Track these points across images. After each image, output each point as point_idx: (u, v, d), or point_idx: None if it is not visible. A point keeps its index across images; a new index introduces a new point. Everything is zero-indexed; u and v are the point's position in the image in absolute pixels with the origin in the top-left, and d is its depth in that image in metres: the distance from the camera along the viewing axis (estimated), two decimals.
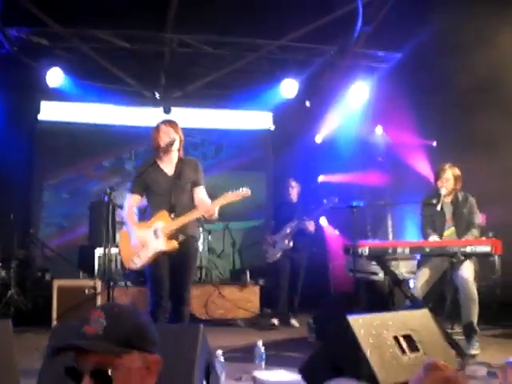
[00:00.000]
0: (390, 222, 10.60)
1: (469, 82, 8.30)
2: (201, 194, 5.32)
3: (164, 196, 5.18)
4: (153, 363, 1.70)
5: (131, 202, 5.24)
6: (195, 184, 5.32)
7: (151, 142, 5.35)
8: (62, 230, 11.09)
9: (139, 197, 5.26)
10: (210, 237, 10.14)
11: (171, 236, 5.11)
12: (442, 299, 6.44)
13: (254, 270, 9.60)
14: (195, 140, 11.64)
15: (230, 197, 5.19)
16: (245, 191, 5.24)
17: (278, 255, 8.52)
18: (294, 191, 8.82)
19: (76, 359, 1.63)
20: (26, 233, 9.85)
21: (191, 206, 5.26)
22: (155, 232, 5.09)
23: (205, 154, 11.86)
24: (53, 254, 9.92)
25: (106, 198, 5.02)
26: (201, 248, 9.93)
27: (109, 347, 1.61)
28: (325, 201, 8.01)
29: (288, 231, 8.49)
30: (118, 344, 1.63)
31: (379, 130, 10.82)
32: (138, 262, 5.11)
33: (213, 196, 5.27)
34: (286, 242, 8.47)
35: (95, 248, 9.21)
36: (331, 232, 10.78)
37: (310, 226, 8.43)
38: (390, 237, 10.24)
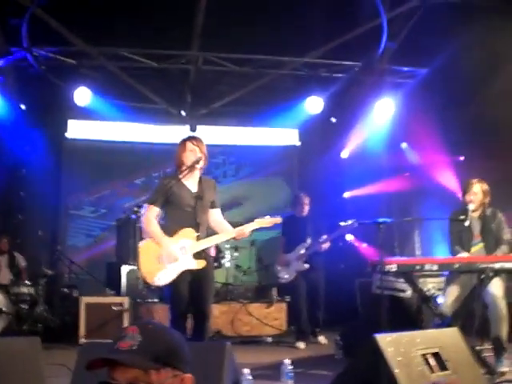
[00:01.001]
0: (417, 238, 10.52)
1: (496, 97, 8.24)
2: (218, 215, 5.44)
3: (188, 213, 5.19)
4: (186, 381, 1.69)
5: (152, 214, 5.19)
6: (213, 205, 5.40)
7: (175, 158, 5.37)
8: (90, 246, 11.16)
9: (158, 209, 5.22)
10: (236, 253, 10.13)
11: (196, 254, 5.13)
12: (470, 316, 6.34)
13: (280, 287, 9.54)
14: (217, 160, 11.70)
15: (262, 223, 5.37)
16: (277, 219, 5.46)
17: (293, 277, 8.34)
18: (306, 207, 8.56)
19: (110, 374, 1.63)
20: (53, 250, 9.93)
21: (208, 225, 5.37)
22: (182, 249, 5.09)
23: (226, 172, 11.92)
24: (80, 271, 9.99)
25: (133, 216, 5.02)
26: (228, 265, 9.94)
27: (142, 362, 1.61)
28: (342, 223, 7.81)
29: (302, 252, 8.29)
30: (153, 360, 1.62)
31: (405, 145, 10.77)
32: (164, 278, 5.07)
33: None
34: (302, 263, 8.27)
35: (122, 265, 9.24)
36: (361, 246, 10.70)
37: (325, 246, 8.24)
38: (418, 253, 10.15)
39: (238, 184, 11.90)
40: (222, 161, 11.83)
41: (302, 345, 8.18)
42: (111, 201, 11.45)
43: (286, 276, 8.40)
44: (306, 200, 8.59)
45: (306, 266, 8.24)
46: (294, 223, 8.41)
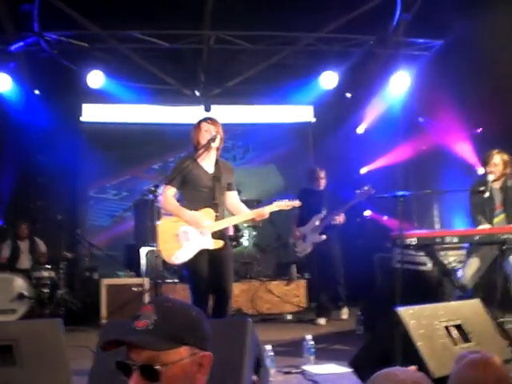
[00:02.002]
0: (436, 211, 10.44)
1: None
2: (235, 197, 5.49)
3: (206, 193, 5.19)
4: (204, 359, 1.66)
5: (169, 193, 5.19)
6: (230, 187, 5.43)
7: (191, 140, 5.35)
8: (109, 229, 11.21)
9: (175, 189, 5.22)
10: (255, 232, 10.13)
11: (215, 234, 5.13)
12: (492, 288, 6.29)
13: (300, 264, 9.54)
14: (233, 140, 11.68)
15: (281, 205, 5.40)
16: (296, 203, 5.48)
17: (309, 249, 8.26)
18: (323, 181, 8.50)
19: (126, 354, 1.62)
20: (73, 233, 9.99)
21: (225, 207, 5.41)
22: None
23: (245, 149, 11.90)
24: (100, 254, 10.05)
25: (150, 196, 5.01)
26: (246, 243, 9.95)
27: (156, 342, 1.58)
28: (358, 191, 7.75)
29: (317, 223, 8.19)
30: (168, 339, 1.60)
31: (421, 119, 10.66)
32: (182, 257, 5.08)
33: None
34: (317, 234, 8.15)
35: (141, 246, 9.28)
36: (381, 219, 10.64)
37: (339, 218, 8.12)
38: (437, 226, 10.08)
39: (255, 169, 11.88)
40: (230, 145, 11.73)
41: (322, 321, 8.18)
42: (131, 185, 11.46)
43: (302, 249, 8.33)
44: (322, 174, 8.53)
45: (323, 237, 8.12)
46: (309, 196, 8.21)
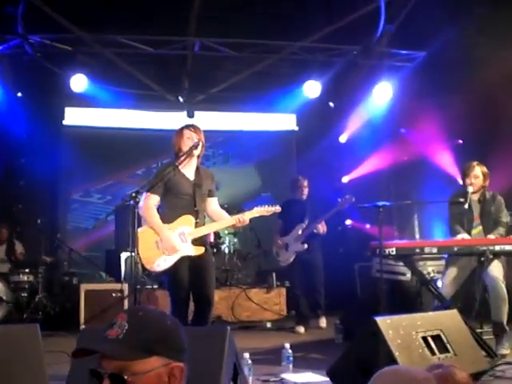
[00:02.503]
0: (416, 222, 10.51)
1: (494, 80, 8.21)
2: (215, 204, 5.51)
3: (186, 200, 5.20)
4: (176, 370, 1.64)
5: (151, 202, 5.18)
6: (211, 194, 5.45)
7: (173, 146, 5.36)
8: (89, 234, 11.15)
9: (158, 197, 5.21)
10: (235, 239, 10.13)
11: (195, 241, 5.14)
12: (470, 299, 6.34)
13: (280, 272, 9.54)
14: (214, 148, 11.69)
15: (261, 211, 5.43)
16: (276, 208, 5.53)
17: (292, 258, 8.28)
18: (306, 190, 8.52)
19: (99, 361, 1.61)
20: (53, 238, 9.92)
21: (206, 214, 5.43)
22: (181, 235, 5.09)
23: (225, 156, 11.91)
24: (80, 259, 9.99)
25: (131, 202, 4.99)
26: (227, 251, 9.94)
27: (124, 352, 1.57)
28: (339, 200, 7.80)
29: (300, 232, 8.22)
30: (138, 349, 1.58)
31: (403, 130, 10.74)
32: (163, 264, 5.08)
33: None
34: (300, 244, 8.18)
35: (121, 252, 9.24)
36: (363, 227, 10.69)
37: (322, 227, 8.19)
38: (417, 236, 10.15)
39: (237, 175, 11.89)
40: (211, 153, 11.70)
41: (301, 329, 8.20)
42: (114, 190, 11.42)
43: (285, 258, 8.34)
44: (305, 183, 8.56)
45: (305, 246, 8.15)
46: (291, 207, 8.32)
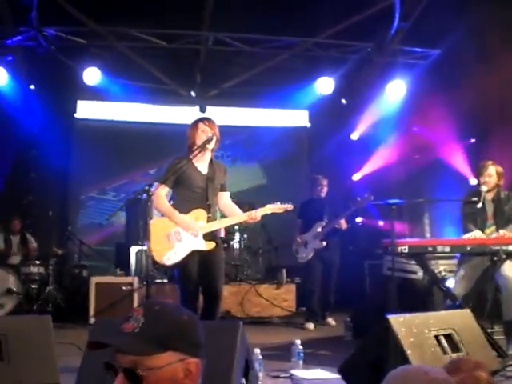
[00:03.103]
0: (427, 221, 10.48)
1: (508, 78, 8.16)
2: (227, 198, 5.45)
3: (199, 194, 5.18)
4: (192, 366, 1.61)
5: (162, 192, 5.15)
6: (223, 188, 5.40)
7: (187, 139, 5.33)
8: (100, 227, 11.16)
9: (168, 188, 5.19)
10: (246, 235, 10.12)
11: (206, 235, 5.12)
12: (482, 298, 6.31)
13: (290, 268, 9.54)
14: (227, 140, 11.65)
15: (274, 208, 5.38)
16: (288, 206, 5.45)
17: (310, 255, 8.31)
18: (325, 189, 8.60)
19: (114, 355, 1.60)
20: (64, 230, 9.95)
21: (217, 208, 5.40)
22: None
23: (239, 152, 11.89)
24: (90, 252, 10.02)
25: (144, 195, 4.97)
26: (237, 246, 9.94)
27: (139, 347, 1.55)
28: (358, 198, 7.80)
29: (319, 230, 8.26)
30: (153, 343, 1.56)
31: (416, 128, 10.70)
32: (173, 258, 5.05)
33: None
34: (319, 241, 8.23)
35: (131, 245, 9.26)
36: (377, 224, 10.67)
37: (343, 224, 8.23)
38: (428, 235, 10.11)
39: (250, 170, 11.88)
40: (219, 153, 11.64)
41: (311, 326, 8.20)
42: (129, 188, 11.41)
43: (303, 255, 8.37)
44: (324, 181, 8.61)
45: (324, 243, 8.19)
46: (311, 205, 8.47)
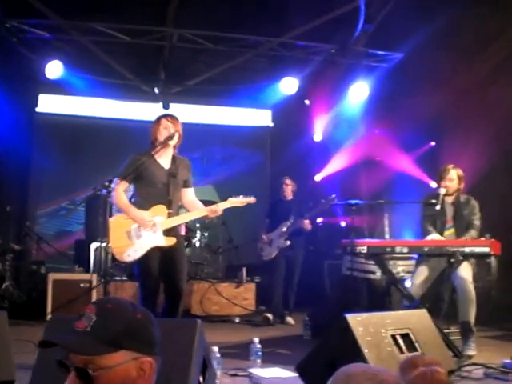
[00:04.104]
0: (386, 222, 10.57)
1: (469, 82, 8.29)
2: (191, 195, 5.42)
3: (160, 189, 5.14)
4: (145, 365, 1.60)
5: (121, 187, 5.13)
6: (186, 184, 5.36)
7: (149, 134, 5.30)
8: (59, 224, 11.02)
9: (127, 184, 5.16)
10: (206, 233, 10.10)
11: (167, 231, 5.08)
12: (438, 299, 6.40)
13: (250, 268, 9.56)
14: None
15: (236, 202, 5.37)
16: (251, 199, 5.44)
17: (274, 254, 8.41)
18: (289, 189, 8.72)
19: (66, 354, 1.57)
20: (21, 226, 9.79)
21: (181, 204, 5.36)
22: (153, 226, 5.05)
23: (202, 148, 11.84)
24: (49, 248, 9.87)
25: (104, 191, 4.93)
26: (197, 244, 9.91)
27: (89, 346, 1.53)
28: (322, 200, 7.89)
29: (284, 229, 8.39)
30: (104, 343, 1.54)
31: (377, 131, 10.80)
32: (133, 254, 5.02)
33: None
34: (283, 240, 8.36)
35: (91, 242, 9.15)
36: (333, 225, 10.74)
37: (307, 224, 8.33)
38: (387, 236, 10.20)
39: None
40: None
41: (270, 316, 8.33)
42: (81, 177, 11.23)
43: (268, 253, 8.46)
44: (288, 182, 8.74)
45: (288, 242, 8.33)
46: (279, 206, 8.66)
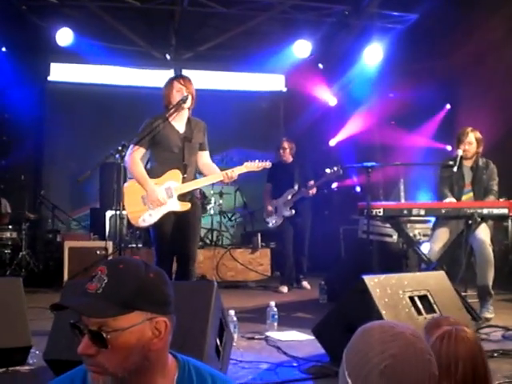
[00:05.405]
0: (402, 187, 10.50)
1: (485, 45, 8.14)
2: (206, 158, 5.33)
3: (175, 154, 5.08)
4: (160, 325, 1.57)
5: (137, 155, 5.06)
6: (202, 147, 5.28)
7: (163, 98, 5.22)
8: (73, 192, 11.03)
9: (144, 150, 5.08)
10: (221, 200, 10.08)
11: (182, 196, 5.04)
12: (455, 262, 6.35)
13: (265, 233, 9.55)
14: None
15: (251, 166, 5.26)
16: (267, 164, 5.35)
17: (280, 222, 8.34)
18: (287, 152, 8.49)
19: (79, 316, 1.53)
20: (36, 195, 9.82)
21: (196, 168, 5.26)
22: (168, 190, 5.01)
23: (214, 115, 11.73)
24: (64, 216, 9.91)
25: (117, 156, 4.87)
26: (212, 211, 9.90)
27: (100, 308, 1.49)
28: (327, 170, 7.74)
29: (289, 198, 8.26)
30: (118, 304, 1.50)
31: (392, 95, 10.67)
32: (148, 219, 5.00)
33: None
34: (289, 209, 8.25)
35: (106, 210, 9.17)
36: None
37: (312, 191, 8.16)
38: (402, 201, 10.15)
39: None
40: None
41: (284, 289, 8.23)
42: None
43: (273, 221, 8.37)
44: (286, 145, 8.53)
45: (293, 211, 8.22)
46: (280, 169, 8.33)
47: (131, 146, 4.99)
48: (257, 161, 5.30)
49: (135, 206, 5.02)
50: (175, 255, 5.12)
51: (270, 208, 8.41)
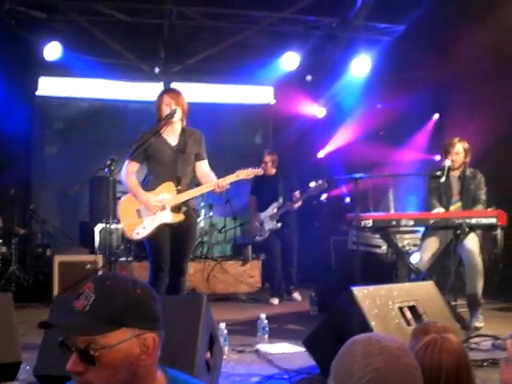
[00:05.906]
0: (391, 197, 10.53)
1: (473, 55, 8.20)
2: (204, 167, 5.31)
3: (168, 167, 5.10)
4: (148, 341, 1.57)
5: (131, 169, 5.10)
6: (199, 157, 5.27)
7: (155, 111, 5.24)
8: (63, 205, 10.99)
9: (138, 164, 5.13)
10: (211, 212, 10.08)
11: (175, 208, 5.06)
12: (445, 272, 6.38)
13: (255, 245, 9.55)
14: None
15: (243, 174, 5.25)
16: (258, 170, 5.35)
17: (267, 235, 8.38)
18: (269, 165, 8.40)
19: (66, 335, 1.54)
20: (26, 209, 9.79)
21: (194, 178, 5.26)
22: (161, 203, 5.03)
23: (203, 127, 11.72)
24: (53, 230, 9.87)
25: (106, 170, 4.89)
26: (202, 223, 9.88)
27: (87, 326, 1.49)
28: (311, 184, 7.76)
29: (275, 211, 8.29)
30: (105, 321, 1.51)
31: (379, 105, 10.72)
32: (142, 232, 5.03)
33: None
34: (275, 222, 8.29)
35: (96, 223, 9.14)
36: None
37: (297, 205, 8.18)
38: (392, 211, 10.18)
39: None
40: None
41: (275, 301, 8.24)
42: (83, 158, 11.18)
43: (260, 234, 8.40)
44: (268, 158, 8.47)
45: (279, 225, 8.27)
46: (263, 182, 8.20)
47: (126, 161, 5.03)
48: (250, 168, 5.30)
49: (130, 219, 5.07)
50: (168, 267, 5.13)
51: (256, 224, 8.46)
